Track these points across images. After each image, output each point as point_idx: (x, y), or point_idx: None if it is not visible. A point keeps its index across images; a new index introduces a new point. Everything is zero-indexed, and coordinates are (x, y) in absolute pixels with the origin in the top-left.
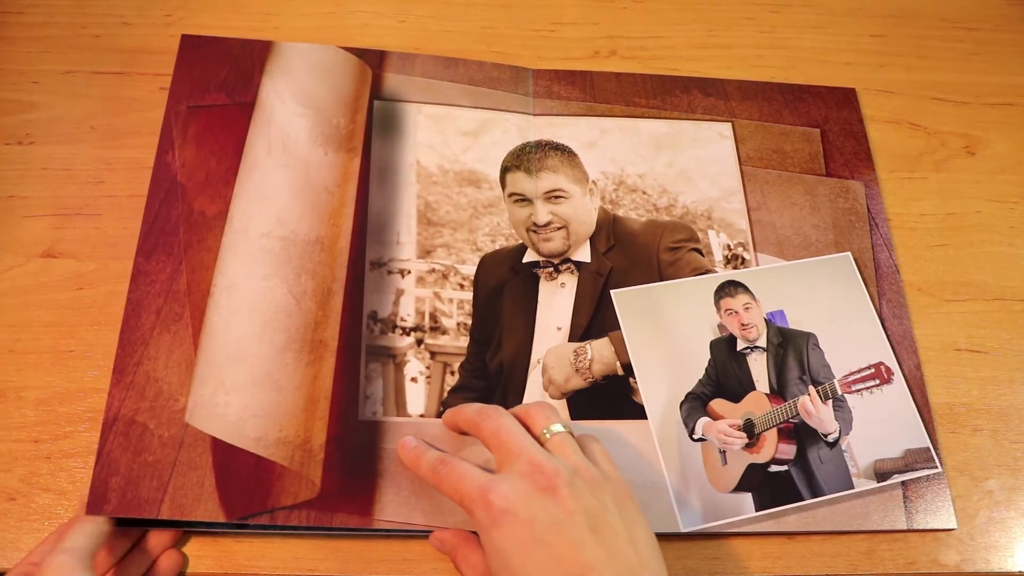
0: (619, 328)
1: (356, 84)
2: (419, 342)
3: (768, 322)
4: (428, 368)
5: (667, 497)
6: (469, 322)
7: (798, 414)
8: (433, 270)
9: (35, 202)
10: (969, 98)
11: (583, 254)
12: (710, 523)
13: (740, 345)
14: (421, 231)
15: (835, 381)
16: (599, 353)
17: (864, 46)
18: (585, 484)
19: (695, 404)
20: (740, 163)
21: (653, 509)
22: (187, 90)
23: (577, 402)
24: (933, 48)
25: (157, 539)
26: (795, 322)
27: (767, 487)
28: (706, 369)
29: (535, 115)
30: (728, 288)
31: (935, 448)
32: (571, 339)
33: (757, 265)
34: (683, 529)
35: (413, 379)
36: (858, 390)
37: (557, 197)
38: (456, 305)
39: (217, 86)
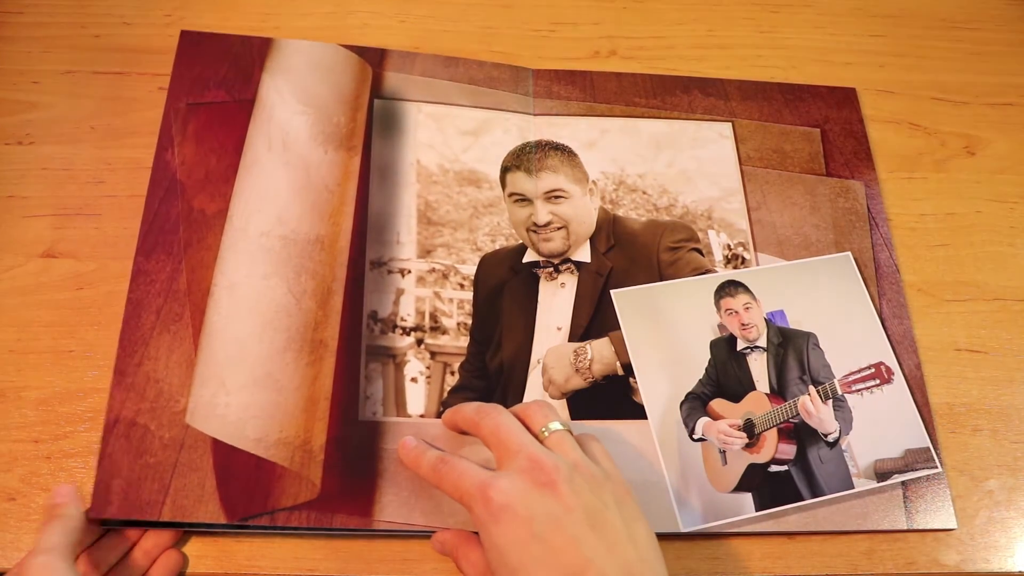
0: (619, 328)
1: (356, 82)
2: (419, 342)
3: (768, 322)
4: (428, 368)
5: (667, 497)
6: (469, 322)
7: (798, 414)
8: (433, 270)
9: (35, 202)
10: (969, 98)
11: (583, 254)
12: (710, 523)
13: (740, 345)
14: (421, 231)
15: (835, 381)
16: (599, 353)
17: (864, 46)
18: (584, 481)
19: (695, 404)
20: (740, 163)
21: (653, 509)
22: (186, 87)
23: (577, 402)
24: (933, 48)
25: (156, 539)
26: (795, 322)
27: (767, 487)
28: (706, 369)
29: (535, 115)
30: (728, 288)
31: (935, 448)
32: (571, 339)
33: (757, 265)
34: (683, 529)
35: (413, 379)
36: (858, 390)
37: (557, 197)
38: (456, 305)
39: (217, 83)
